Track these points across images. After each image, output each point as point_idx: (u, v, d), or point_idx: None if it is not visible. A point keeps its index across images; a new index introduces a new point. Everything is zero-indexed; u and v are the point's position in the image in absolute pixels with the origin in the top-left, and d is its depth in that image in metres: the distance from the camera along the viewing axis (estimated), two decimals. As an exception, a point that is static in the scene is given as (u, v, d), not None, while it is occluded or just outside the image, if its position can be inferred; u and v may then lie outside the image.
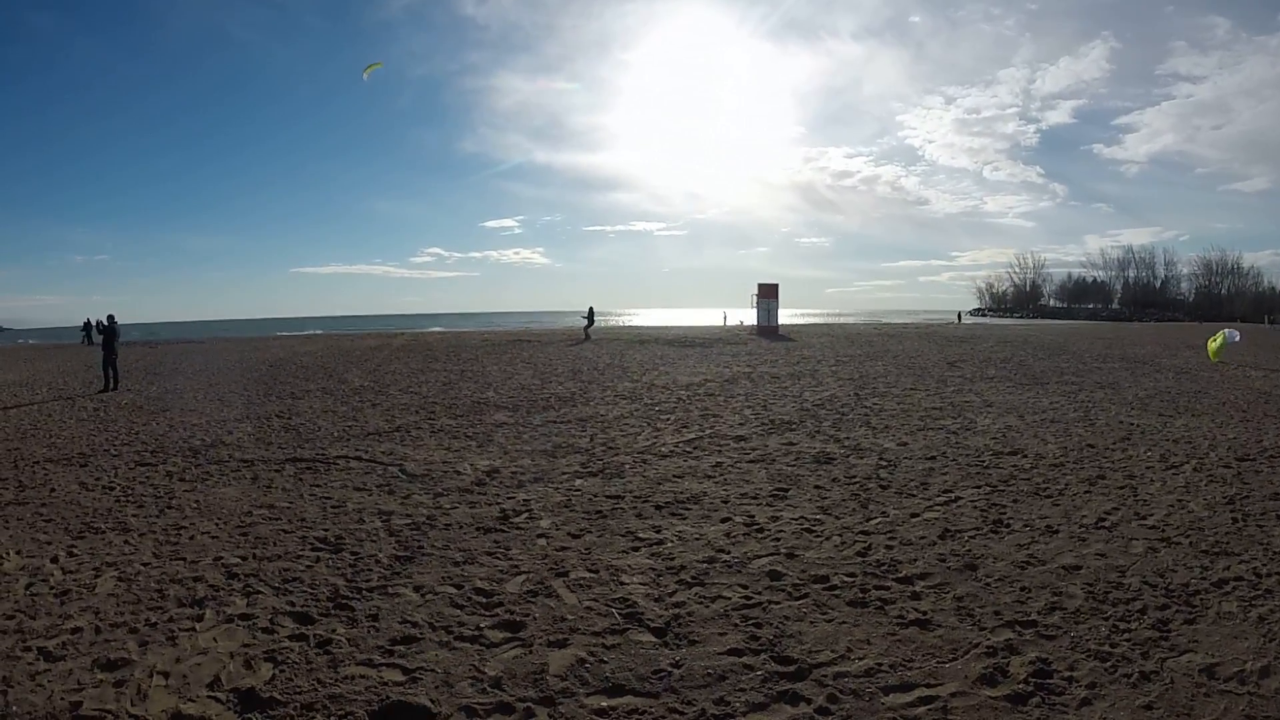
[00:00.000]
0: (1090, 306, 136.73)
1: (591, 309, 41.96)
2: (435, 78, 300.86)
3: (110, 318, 20.08)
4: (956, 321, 75.86)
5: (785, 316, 53.86)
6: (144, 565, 5.83)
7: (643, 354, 27.11)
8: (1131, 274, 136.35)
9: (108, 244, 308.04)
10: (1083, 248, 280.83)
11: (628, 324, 72.70)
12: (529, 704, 3.68)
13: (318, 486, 8.30)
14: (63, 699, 3.80)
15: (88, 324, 48.14)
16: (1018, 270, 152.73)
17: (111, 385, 19.37)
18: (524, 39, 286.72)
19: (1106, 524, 6.48)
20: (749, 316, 57.61)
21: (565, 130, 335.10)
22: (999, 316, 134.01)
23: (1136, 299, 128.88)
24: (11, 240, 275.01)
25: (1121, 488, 7.71)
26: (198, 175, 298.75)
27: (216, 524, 6.94)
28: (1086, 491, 7.59)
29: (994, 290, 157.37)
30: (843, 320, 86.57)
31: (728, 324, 64.57)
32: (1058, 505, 7.10)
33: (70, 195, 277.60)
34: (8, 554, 6.18)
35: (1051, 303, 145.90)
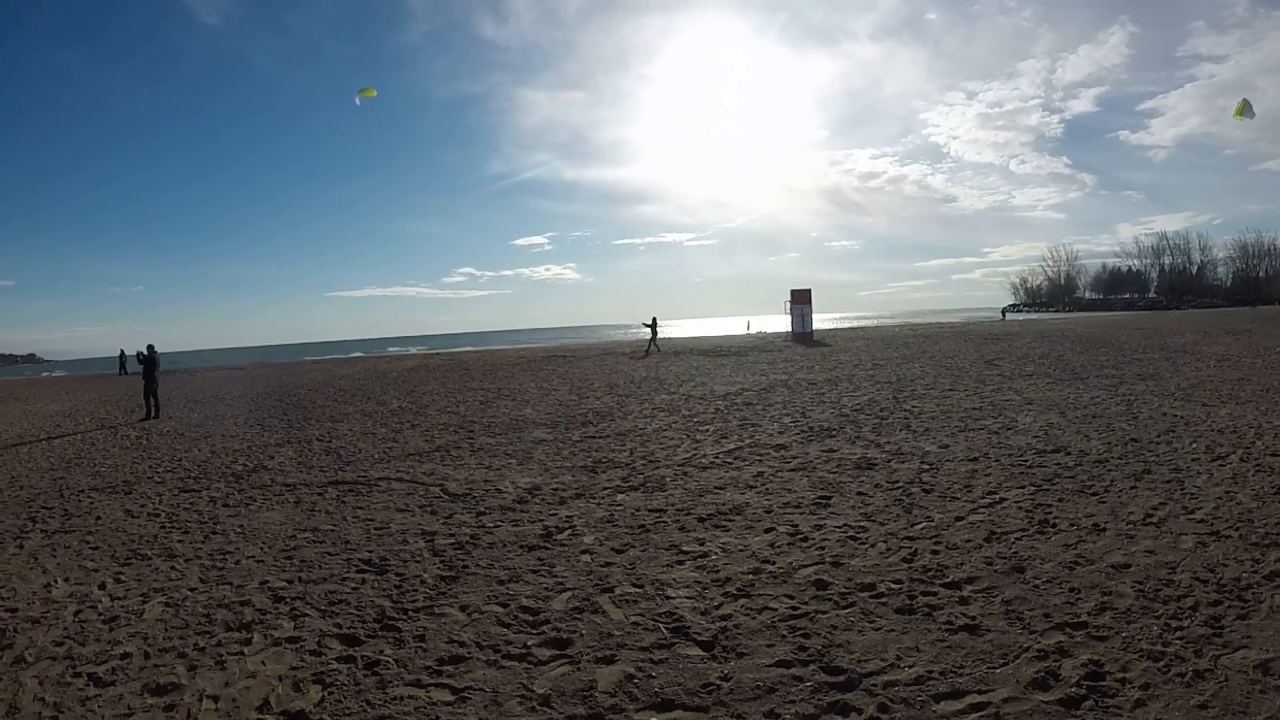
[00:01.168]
0: (1127, 296, 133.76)
1: (655, 319, 38.26)
2: (459, 99, 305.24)
3: (150, 347, 20.51)
4: (1001, 318, 74.82)
5: (818, 321, 53.27)
6: (191, 590, 5.93)
7: (678, 365, 27.09)
8: (1167, 261, 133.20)
9: (144, 275, 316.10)
10: (1115, 237, 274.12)
11: (661, 336, 72.33)
12: (578, 721, 3.68)
13: (360, 509, 8.39)
14: (120, 726, 3.87)
15: (123, 355, 49.31)
16: (1051, 264, 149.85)
17: (153, 413, 19.78)
18: (544, 57, 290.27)
19: (1154, 520, 6.34)
20: (772, 324, 57.14)
21: (590, 145, 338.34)
22: (1035, 311, 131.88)
23: (1173, 286, 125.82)
24: (48, 272, 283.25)
25: (1168, 482, 7.54)
26: (230, 201, 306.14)
27: (261, 548, 7.04)
28: (1132, 487, 7.43)
29: (1028, 285, 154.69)
30: (877, 323, 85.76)
31: (750, 331, 64.07)
32: (1104, 502, 6.96)
33: (105, 227, 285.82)
34: (56, 581, 6.32)
35: (1087, 295, 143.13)
